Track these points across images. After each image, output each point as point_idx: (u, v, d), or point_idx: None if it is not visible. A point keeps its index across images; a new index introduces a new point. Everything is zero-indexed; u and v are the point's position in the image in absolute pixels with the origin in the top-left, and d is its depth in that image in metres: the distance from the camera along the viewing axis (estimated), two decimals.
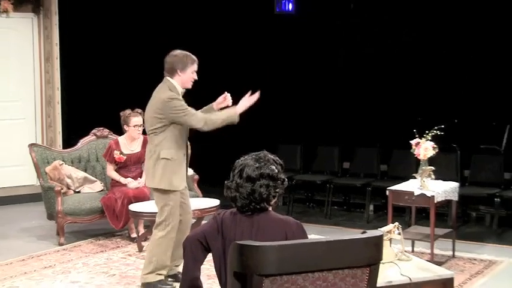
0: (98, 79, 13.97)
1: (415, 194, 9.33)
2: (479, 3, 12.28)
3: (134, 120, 10.74)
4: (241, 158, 4.91)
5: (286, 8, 14.35)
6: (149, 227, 10.47)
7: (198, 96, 11.77)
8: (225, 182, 4.88)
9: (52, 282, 8.98)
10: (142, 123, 10.49)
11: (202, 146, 12.15)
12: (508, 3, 12.09)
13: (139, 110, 10.67)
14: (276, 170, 4.84)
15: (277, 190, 4.85)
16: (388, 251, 5.53)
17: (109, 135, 11.64)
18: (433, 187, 9.39)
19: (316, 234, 7.83)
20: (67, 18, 14.34)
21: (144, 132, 11.04)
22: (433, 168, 9.43)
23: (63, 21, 14.36)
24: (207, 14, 14.29)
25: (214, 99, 8.64)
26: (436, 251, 9.43)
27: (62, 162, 11.31)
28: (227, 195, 4.83)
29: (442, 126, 9.47)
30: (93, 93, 13.74)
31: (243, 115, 12.51)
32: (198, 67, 8.25)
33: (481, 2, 12.28)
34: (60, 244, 10.71)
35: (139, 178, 10.89)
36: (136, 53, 14.26)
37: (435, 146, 9.35)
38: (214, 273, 4.94)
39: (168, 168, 8.16)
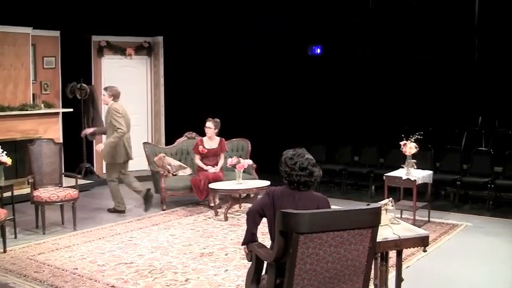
0: (188, 99, 14.01)
1: (403, 178, 9.28)
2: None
3: (207, 124, 11.04)
4: (301, 155, 4.85)
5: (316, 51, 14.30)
6: (223, 199, 10.50)
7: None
8: (296, 169, 4.79)
9: (157, 234, 9.04)
10: (212, 127, 11.00)
11: (258, 145, 12.17)
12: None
13: (210, 119, 11.02)
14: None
15: (320, 176, 4.94)
16: (384, 217, 5.47)
17: (196, 137, 11.67)
18: (415, 174, 9.33)
19: (335, 205, 7.82)
20: (169, 59, 14.42)
21: (218, 135, 11.13)
22: (415, 161, 9.38)
23: (166, 61, 14.44)
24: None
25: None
26: (417, 217, 9.33)
27: (164, 154, 11.36)
28: (299, 179, 4.78)
29: (421, 132, 9.41)
30: (186, 108, 13.78)
31: (293, 127, 12.48)
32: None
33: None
34: (163, 209, 10.77)
35: (215, 166, 10.95)
36: (212, 80, 14.31)
37: (416, 146, 9.28)
38: (267, 231, 4.92)
39: None
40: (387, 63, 12.89)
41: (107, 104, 10.57)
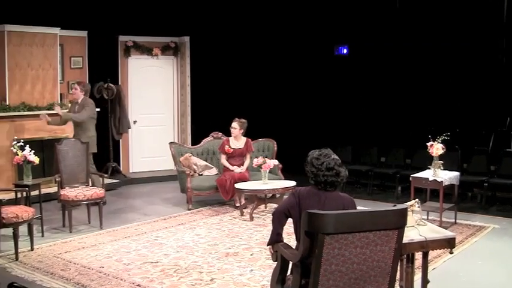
0: (215, 99, 14.06)
1: (430, 179, 9.23)
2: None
3: (232, 124, 11.08)
4: (327, 156, 4.85)
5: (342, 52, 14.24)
6: (248, 199, 10.50)
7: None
8: (323, 169, 4.78)
9: (183, 234, 9.07)
10: (237, 128, 11.05)
11: (284, 145, 12.16)
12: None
13: (237, 119, 11.07)
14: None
15: (346, 176, 4.95)
16: (411, 219, 5.45)
17: (221, 137, 11.69)
18: (442, 175, 9.28)
19: (361, 206, 7.76)
20: (195, 59, 14.45)
21: (245, 135, 11.14)
22: (442, 162, 9.32)
23: (193, 61, 14.48)
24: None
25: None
26: (443, 219, 9.27)
27: (190, 154, 11.39)
28: (326, 179, 4.76)
29: (448, 133, 9.35)
30: (212, 108, 13.84)
31: (319, 127, 12.45)
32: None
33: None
34: (189, 209, 10.80)
35: (241, 166, 10.97)
36: (239, 81, 14.34)
37: (443, 147, 9.23)
38: (293, 231, 4.92)
39: None
40: (414, 64, 12.83)
41: (76, 98, 10.96)
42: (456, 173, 9.74)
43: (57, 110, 10.83)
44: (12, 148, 9.36)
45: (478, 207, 10.97)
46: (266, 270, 7.12)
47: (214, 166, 11.58)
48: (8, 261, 7.66)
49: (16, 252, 7.74)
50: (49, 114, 11.07)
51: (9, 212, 7.69)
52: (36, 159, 9.08)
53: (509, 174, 10.97)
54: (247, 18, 14.04)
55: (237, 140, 11.08)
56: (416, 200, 5.83)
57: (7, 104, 11.31)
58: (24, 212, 7.85)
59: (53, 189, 10.41)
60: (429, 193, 10.00)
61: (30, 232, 8.09)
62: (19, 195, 8.82)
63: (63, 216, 9.45)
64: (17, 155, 9.07)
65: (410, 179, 9.56)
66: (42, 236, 8.89)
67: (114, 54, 13.89)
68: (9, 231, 7.90)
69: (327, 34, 13.90)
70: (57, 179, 9.58)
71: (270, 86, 14.43)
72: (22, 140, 9.38)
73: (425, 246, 5.38)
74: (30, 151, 9.05)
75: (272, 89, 14.42)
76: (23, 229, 8.08)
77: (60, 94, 12.33)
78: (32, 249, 8.11)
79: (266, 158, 10.60)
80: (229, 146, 11.02)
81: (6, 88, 11.34)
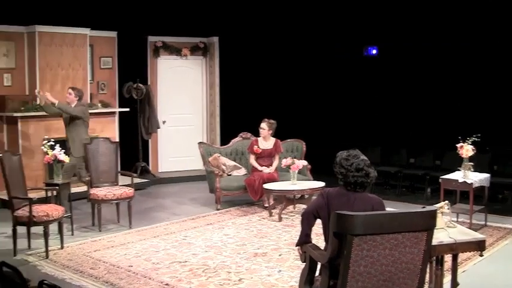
0: (244, 99, 14.08)
1: (459, 181, 9.18)
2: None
3: (261, 125, 11.15)
4: (356, 156, 4.87)
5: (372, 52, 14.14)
6: (277, 200, 10.51)
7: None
8: (352, 170, 4.81)
9: (211, 233, 9.11)
10: (266, 128, 11.11)
11: (313, 146, 12.14)
12: None
13: (266, 119, 11.15)
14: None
15: (375, 177, 4.97)
16: (440, 221, 5.42)
17: (250, 137, 11.71)
18: (472, 177, 9.23)
19: (390, 207, 7.67)
20: (224, 59, 14.51)
21: (274, 135, 11.15)
22: (472, 163, 9.27)
23: (222, 62, 14.54)
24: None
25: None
26: (473, 221, 9.22)
27: (219, 154, 11.44)
28: (355, 180, 4.77)
29: (479, 134, 9.27)
30: (241, 109, 13.85)
31: (348, 128, 12.35)
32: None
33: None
34: (217, 209, 10.84)
35: (270, 166, 10.98)
36: (268, 81, 14.34)
37: (473, 148, 9.17)
38: (321, 232, 4.93)
39: None
40: (444, 65, 12.69)
41: (70, 103, 10.28)
42: (486, 175, 9.65)
43: (48, 95, 10.44)
44: (42, 147, 9.45)
45: (509, 209, 10.84)
46: (294, 270, 7.12)
47: (243, 166, 11.61)
48: (38, 259, 7.77)
49: (46, 250, 7.84)
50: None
51: (40, 210, 7.81)
52: (66, 159, 9.19)
53: None
54: (276, 18, 14.01)
55: (266, 141, 11.11)
56: (446, 201, 5.81)
57: (38, 103, 11.44)
58: (55, 210, 7.96)
59: (83, 188, 10.51)
60: (459, 195, 9.92)
61: (60, 230, 8.19)
62: (49, 194, 8.93)
63: (92, 215, 9.54)
64: (48, 154, 9.17)
65: (440, 180, 9.51)
66: (72, 234, 8.99)
67: (144, 54, 13.99)
68: (39, 229, 7.98)
69: (356, 35, 13.82)
70: (86, 178, 9.68)
71: (299, 87, 14.40)
72: (52, 140, 9.48)
73: (455, 249, 5.35)
74: (61, 150, 9.15)
75: (301, 89, 14.39)
76: (53, 227, 8.20)
77: (90, 94, 12.45)
78: (62, 247, 8.21)
79: (295, 159, 10.59)
80: (258, 147, 11.04)
81: (37, 88, 11.47)
